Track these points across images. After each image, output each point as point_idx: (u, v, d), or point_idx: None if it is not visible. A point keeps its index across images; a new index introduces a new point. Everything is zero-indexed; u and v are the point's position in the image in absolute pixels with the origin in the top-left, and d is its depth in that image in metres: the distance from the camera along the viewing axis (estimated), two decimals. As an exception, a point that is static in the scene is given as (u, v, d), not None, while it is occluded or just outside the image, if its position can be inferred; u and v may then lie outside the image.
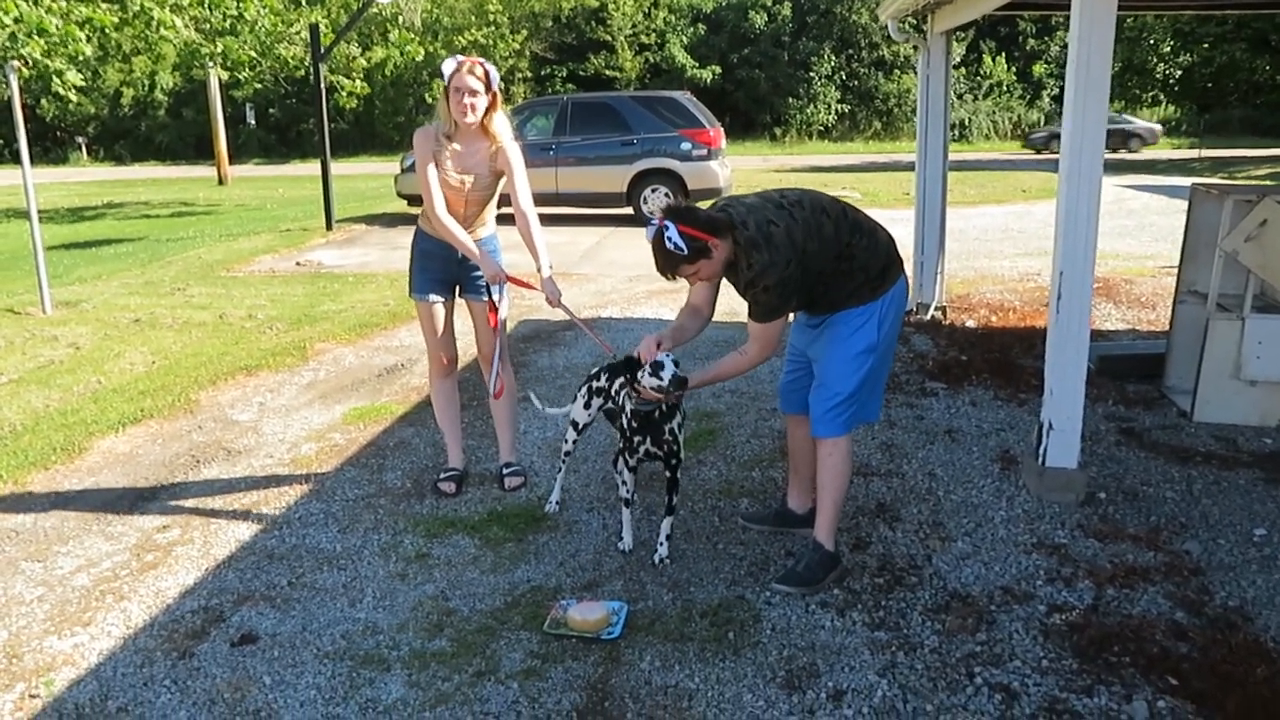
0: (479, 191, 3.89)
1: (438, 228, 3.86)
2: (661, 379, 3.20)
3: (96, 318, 8.04)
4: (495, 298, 3.98)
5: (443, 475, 4.26)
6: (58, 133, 36.70)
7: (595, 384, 3.83)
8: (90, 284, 9.78)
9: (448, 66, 3.70)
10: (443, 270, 4.04)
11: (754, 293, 3.08)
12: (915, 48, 7.32)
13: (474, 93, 3.68)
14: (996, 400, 5.28)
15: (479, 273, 3.98)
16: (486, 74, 3.71)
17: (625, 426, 3.49)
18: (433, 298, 4.06)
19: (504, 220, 3.90)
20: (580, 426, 3.89)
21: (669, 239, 2.99)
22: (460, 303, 4.14)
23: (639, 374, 3.25)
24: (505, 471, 4.27)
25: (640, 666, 2.90)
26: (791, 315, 3.47)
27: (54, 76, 11.16)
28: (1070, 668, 2.85)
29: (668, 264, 3.06)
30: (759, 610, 3.18)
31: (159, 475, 4.55)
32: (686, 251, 3.00)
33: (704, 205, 3.20)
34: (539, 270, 3.85)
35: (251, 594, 3.40)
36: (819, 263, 3.09)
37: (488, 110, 3.76)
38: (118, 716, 2.74)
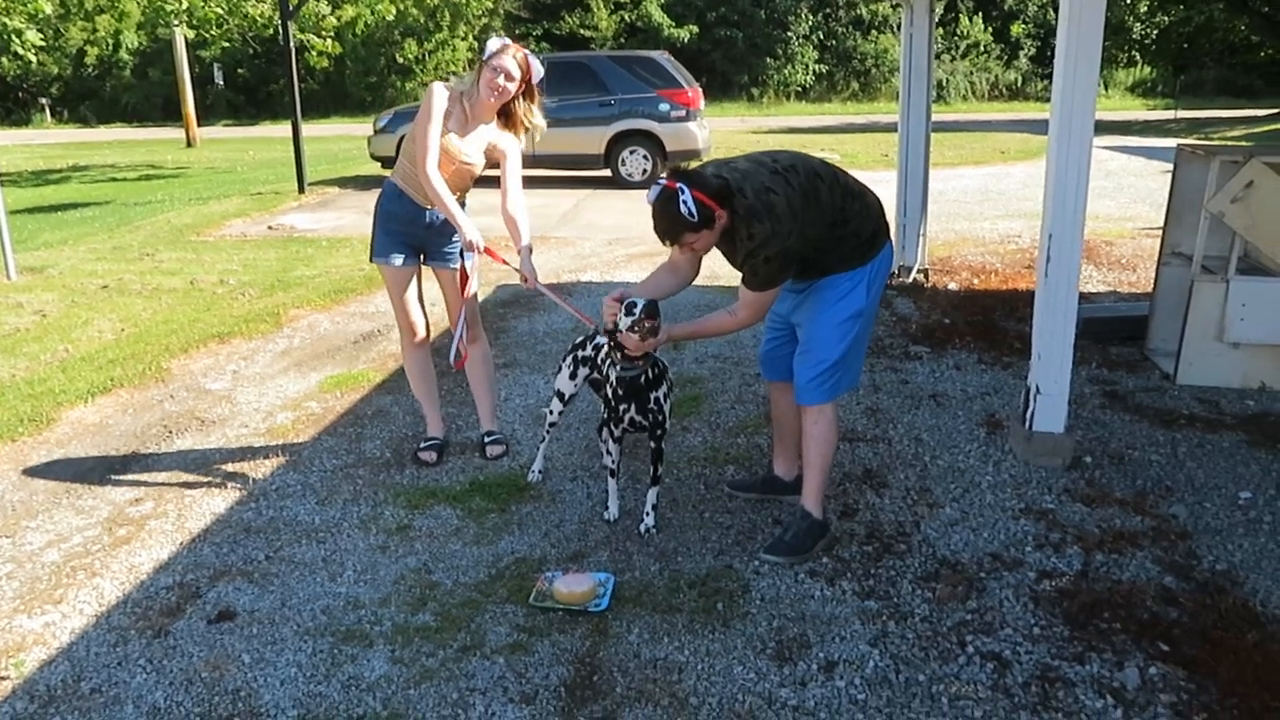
0: (468, 166, 3.76)
1: (424, 184, 3.66)
2: (633, 314, 3.11)
3: (63, 284, 7.85)
4: (467, 265, 3.82)
5: (423, 445, 4.18)
6: (19, 94, 35.79)
7: (580, 353, 3.75)
8: (56, 249, 9.55)
9: (493, 44, 3.64)
10: (407, 234, 3.88)
11: (753, 263, 2.99)
12: (896, 6, 7.20)
13: (511, 78, 3.60)
14: (980, 364, 5.25)
15: (450, 244, 3.88)
16: (527, 63, 3.64)
17: (610, 395, 3.41)
18: (396, 259, 3.89)
19: (490, 183, 3.77)
20: (565, 397, 3.81)
21: (684, 203, 2.85)
22: (428, 271, 4.01)
23: (618, 326, 3.17)
24: (486, 440, 4.20)
25: (628, 639, 2.85)
26: None
27: (13, 36, 10.84)
28: (1061, 635, 2.83)
29: (671, 229, 2.94)
30: (747, 580, 3.14)
31: (130, 446, 4.44)
32: (697, 219, 2.88)
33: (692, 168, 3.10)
34: (518, 246, 3.77)
35: (228, 569, 3.32)
36: (816, 229, 3.01)
37: (516, 97, 3.69)
38: (91, 698, 2.66)
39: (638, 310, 3.10)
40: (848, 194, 3.10)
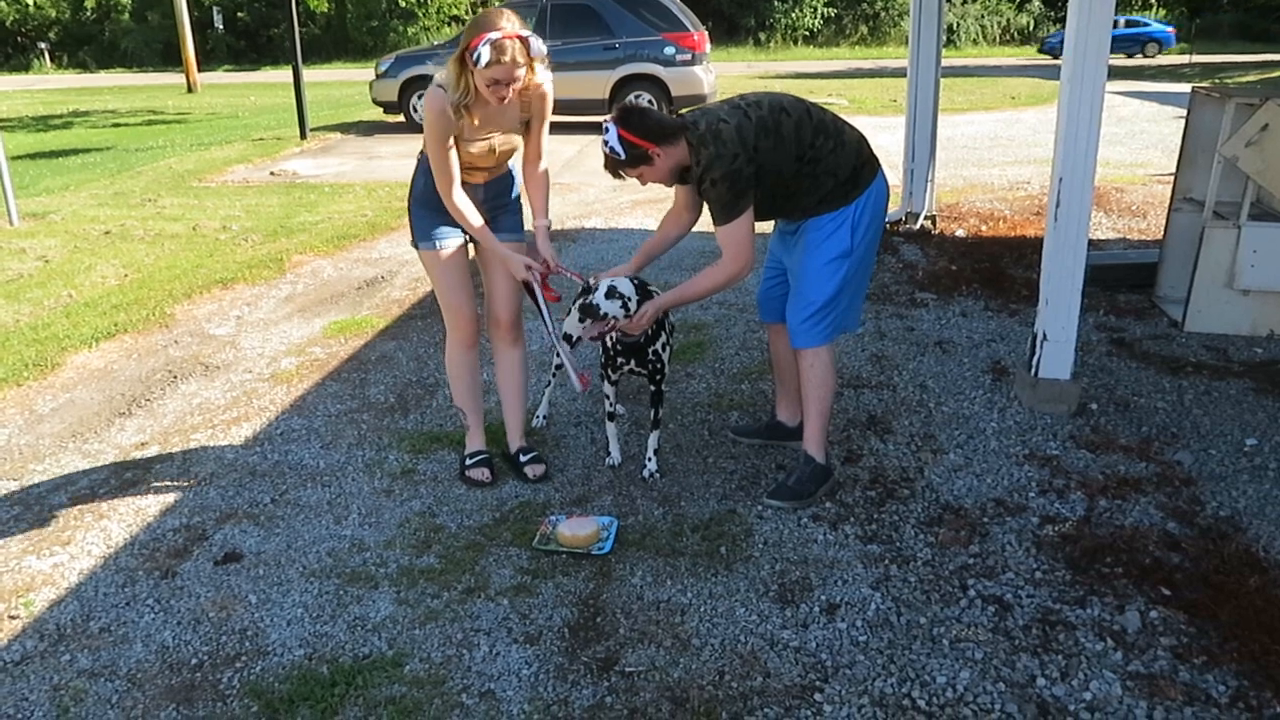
0: (508, 147, 3.26)
1: (451, 212, 3.23)
2: (611, 300, 3.14)
3: (65, 229, 7.81)
4: (536, 292, 3.32)
5: (470, 461, 3.53)
6: (19, 38, 35.41)
7: (586, 297, 3.72)
8: (58, 195, 9.50)
9: (484, 54, 2.85)
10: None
11: (704, 189, 3.02)
12: (909, -55, 7.04)
13: (515, 77, 2.95)
14: (987, 311, 5.22)
15: (505, 212, 3.40)
16: (527, 49, 2.92)
17: (610, 347, 3.40)
18: (446, 239, 3.29)
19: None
20: (573, 340, 3.78)
21: (606, 141, 2.98)
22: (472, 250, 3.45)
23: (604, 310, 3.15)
24: (523, 459, 3.56)
25: (632, 582, 2.87)
26: (771, 225, 3.38)
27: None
28: (1063, 579, 2.84)
29: (608, 163, 3.06)
30: (751, 524, 3.15)
31: (135, 391, 4.45)
32: (624, 156, 2.97)
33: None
34: (536, 221, 3.33)
35: (234, 511, 3.34)
36: (778, 161, 3.00)
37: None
38: (100, 637, 2.69)
39: (601, 297, 3.14)
40: (819, 130, 3.06)
